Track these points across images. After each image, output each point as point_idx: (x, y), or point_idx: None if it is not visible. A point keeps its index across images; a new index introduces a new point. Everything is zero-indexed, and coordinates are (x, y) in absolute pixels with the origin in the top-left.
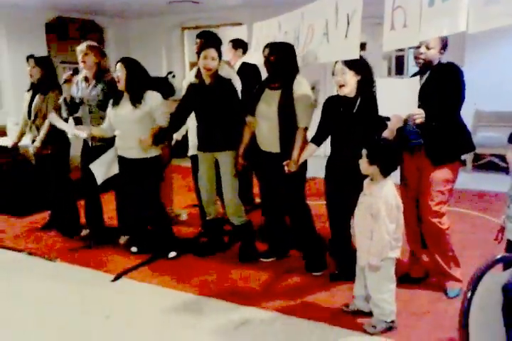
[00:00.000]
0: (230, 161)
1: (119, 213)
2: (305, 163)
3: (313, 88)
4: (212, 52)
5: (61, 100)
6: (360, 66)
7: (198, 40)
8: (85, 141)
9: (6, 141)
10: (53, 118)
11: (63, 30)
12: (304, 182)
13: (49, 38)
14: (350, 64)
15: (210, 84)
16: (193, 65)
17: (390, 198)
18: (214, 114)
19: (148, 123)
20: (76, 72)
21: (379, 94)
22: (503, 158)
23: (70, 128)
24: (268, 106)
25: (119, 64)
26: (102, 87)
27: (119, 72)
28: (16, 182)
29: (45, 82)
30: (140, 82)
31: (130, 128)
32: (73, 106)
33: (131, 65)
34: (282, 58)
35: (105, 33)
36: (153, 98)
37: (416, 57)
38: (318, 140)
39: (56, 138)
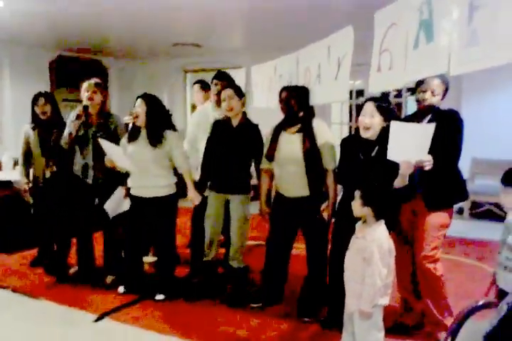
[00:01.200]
0: (243, 205)
1: (107, 253)
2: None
3: None
4: (230, 91)
5: (66, 134)
6: (390, 113)
7: (219, 82)
8: (83, 176)
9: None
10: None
11: (66, 69)
12: (329, 226)
13: (52, 76)
14: (382, 109)
15: (238, 126)
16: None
17: (383, 242)
18: (236, 155)
19: (165, 163)
20: (86, 108)
21: (391, 137)
22: (500, 206)
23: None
24: (291, 150)
25: (139, 100)
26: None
27: (138, 108)
28: (6, 218)
29: (56, 118)
30: (160, 119)
31: (146, 166)
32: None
33: (152, 101)
34: (302, 101)
35: (109, 73)
36: (173, 138)
37: (419, 102)
38: (340, 179)
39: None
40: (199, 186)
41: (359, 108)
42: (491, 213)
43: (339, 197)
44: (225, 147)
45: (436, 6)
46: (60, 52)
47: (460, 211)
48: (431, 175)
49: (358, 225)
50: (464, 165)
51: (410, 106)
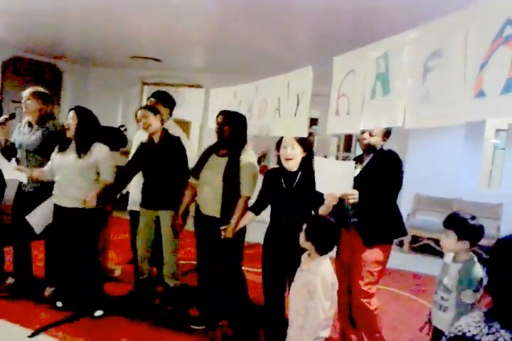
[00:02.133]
0: (171, 221)
1: (47, 263)
2: (243, 229)
3: (264, 155)
4: (145, 112)
5: None
6: (308, 144)
7: (153, 99)
8: (19, 186)
9: None
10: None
11: (19, 69)
12: (240, 249)
13: (4, 76)
14: (300, 140)
15: (159, 143)
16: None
17: (327, 276)
18: (161, 171)
19: (90, 175)
20: (13, 116)
21: (316, 171)
22: (438, 241)
23: (10, 168)
24: (214, 172)
25: (71, 112)
26: (42, 132)
27: (70, 120)
28: None
29: None
30: (89, 132)
31: (71, 176)
32: (9, 149)
33: (83, 115)
34: (235, 128)
35: (64, 78)
36: (100, 151)
37: (359, 141)
38: (257, 209)
39: None
40: (107, 195)
41: (279, 141)
42: (430, 248)
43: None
44: (148, 163)
45: (392, 62)
46: (15, 52)
47: (400, 244)
48: (367, 211)
49: (304, 257)
50: (408, 200)
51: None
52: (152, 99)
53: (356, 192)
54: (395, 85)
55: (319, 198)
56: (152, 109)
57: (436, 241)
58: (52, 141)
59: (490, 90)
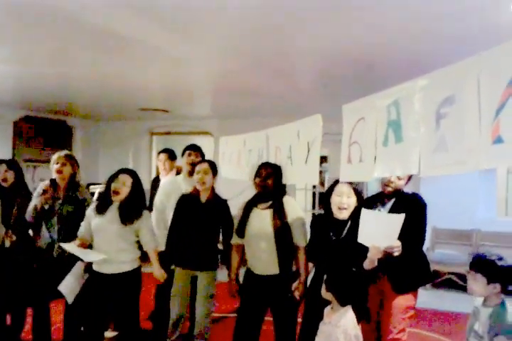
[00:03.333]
0: (210, 281)
1: (67, 325)
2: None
3: None
4: (205, 165)
5: (31, 208)
6: (361, 193)
7: (192, 152)
8: (48, 250)
9: None
10: (67, 245)
11: (30, 128)
12: (299, 304)
13: (16, 135)
14: (356, 190)
15: (207, 201)
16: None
17: (349, 328)
18: (205, 231)
19: (132, 238)
20: (54, 183)
21: (362, 223)
22: (460, 276)
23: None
24: (261, 226)
25: (125, 176)
26: (79, 201)
27: (122, 184)
28: None
29: (20, 185)
30: (141, 201)
31: (112, 242)
32: (40, 217)
33: (138, 181)
34: (278, 180)
35: (74, 133)
36: (146, 218)
37: (385, 185)
38: (310, 257)
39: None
40: (164, 261)
41: (330, 188)
42: (452, 282)
43: (311, 276)
44: (192, 222)
45: (404, 109)
46: (26, 112)
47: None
48: (398, 259)
49: (327, 310)
50: (426, 234)
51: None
52: (191, 152)
53: (400, 244)
54: (407, 132)
55: (363, 251)
56: (214, 167)
57: (459, 276)
58: (83, 210)
59: (508, 136)
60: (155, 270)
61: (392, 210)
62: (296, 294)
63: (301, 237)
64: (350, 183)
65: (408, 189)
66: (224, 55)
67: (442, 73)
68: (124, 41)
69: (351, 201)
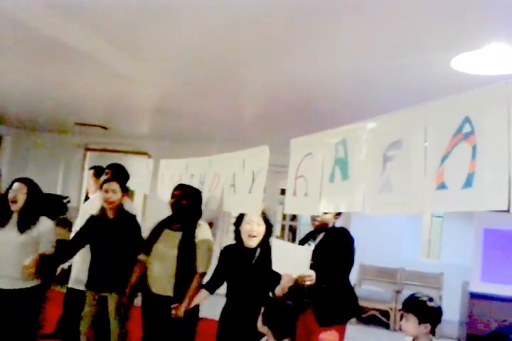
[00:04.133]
0: (120, 304)
1: None
2: (196, 308)
3: (210, 224)
4: (114, 185)
5: None
6: (270, 221)
7: (108, 171)
8: None
9: None
10: None
11: None
12: (194, 327)
13: None
14: (265, 218)
15: (114, 218)
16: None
17: None
18: (112, 250)
19: (30, 250)
20: None
21: (274, 251)
22: (383, 312)
23: None
24: (167, 247)
25: (19, 184)
26: None
27: (17, 192)
28: None
29: None
30: (38, 206)
31: (9, 253)
32: None
33: (34, 188)
34: (192, 202)
35: (3, 141)
36: (45, 225)
37: (313, 219)
38: (212, 286)
39: None
40: (45, 264)
41: (240, 216)
42: (376, 318)
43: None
44: (98, 242)
45: (351, 149)
46: None
47: None
48: (322, 292)
49: None
50: (353, 271)
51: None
52: (108, 170)
53: (313, 274)
54: (354, 171)
55: (276, 278)
56: (124, 186)
57: (382, 312)
58: None
59: (451, 183)
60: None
61: (320, 244)
62: (173, 312)
63: (202, 263)
64: (263, 212)
65: (338, 224)
66: (168, 77)
67: (390, 118)
68: (64, 51)
69: (261, 229)
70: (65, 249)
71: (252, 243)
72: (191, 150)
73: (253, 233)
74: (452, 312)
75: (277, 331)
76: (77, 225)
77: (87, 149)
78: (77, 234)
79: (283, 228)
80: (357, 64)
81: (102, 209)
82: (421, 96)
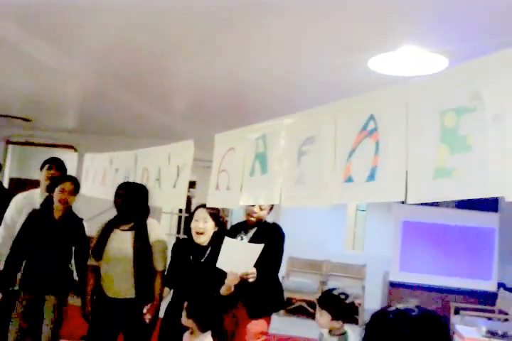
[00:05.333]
0: (57, 305)
1: None
2: (158, 309)
3: None
4: (70, 185)
5: None
6: (220, 218)
7: (53, 166)
8: None
9: None
10: None
11: None
12: (153, 327)
13: None
14: (213, 214)
15: (61, 218)
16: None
17: None
18: (55, 251)
19: None
20: None
21: (223, 249)
22: (311, 303)
23: None
24: (121, 248)
25: None
26: None
27: None
28: None
29: None
30: None
31: None
32: None
33: None
34: (139, 200)
35: None
36: None
37: (249, 215)
38: (171, 283)
39: None
40: (2, 279)
41: (192, 213)
42: (303, 309)
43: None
44: (41, 241)
45: (270, 144)
46: None
47: None
48: (253, 285)
49: (185, 336)
50: (282, 263)
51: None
52: (51, 165)
53: (255, 271)
54: (272, 165)
55: (223, 277)
56: (78, 186)
57: (309, 303)
58: None
59: (357, 177)
60: None
61: (253, 239)
62: (147, 317)
63: (160, 261)
64: (213, 209)
65: (269, 219)
66: (94, 70)
67: (305, 115)
68: None
69: (208, 226)
70: (13, 255)
71: (199, 240)
72: (120, 144)
73: (199, 230)
74: (374, 300)
75: (202, 323)
76: (7, 218)
77: (9, 142)
78: (18, 235)
79: None
80: (280, 62)
81: (47, 207)
82: (341, 95)
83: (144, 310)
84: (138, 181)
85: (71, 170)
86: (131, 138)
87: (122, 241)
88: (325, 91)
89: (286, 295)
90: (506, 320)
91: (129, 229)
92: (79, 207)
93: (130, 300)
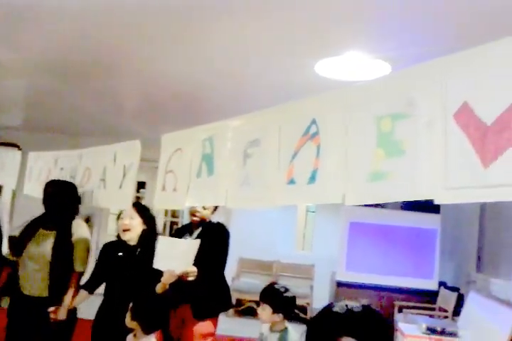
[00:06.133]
0: None
1: None
2: (74, 310)
3: (88, 220)
4: None
5: None
6: (148, 215)
7: None
8: None
9: None
10: None
11: None
12: (71, 329)
13: None
14: (140, 211)
15: None
16: None
17: None
18: None
19: None
20: None
21: (158, 248)
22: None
23: None
24: (41, 246)
25: None
26: None
27: None
28: None
29: None
30: None
31: None
32: None
33: None
34: (66, 199)
35: None
36: None
37: (192, 215)
38: (91, 286)
39: None
40: None
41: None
42: (254, 310)
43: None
44: None
45: (217, 145)
46: None
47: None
48: (196, 285)
49: (129, 338)
50: (232, 264)
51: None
52: None
53: (195, 270)
54: (218, 167)
55: (158, 275)
56: None
57: (259, 304)
58: None
59: (299, 179)
60: None
61: (197, 238)
62: (52, 316)
63: (79, 263)
64: (139, 206)
65: (220, 220)
66: (38, 66)
67: (251, 117)
68: None
69: (134, 222)
70: None
71: (126, 237)
72: (66, 143)
73: (125, 227)
74: (323, 300)
75: (146, 325)
76: None
77: None
78: None
79: (165, 224)
80: (231, 63)
81: None
82: (289, 97)
83: (49, 309)
84: (78, 181)
85: (13, 169)
86: (79, 137)
87: (43, 241)
88: (274, 93)
89: (236, 296)
90: (446, 317)
91: (52, 229)
92: (25, 206)
93: (44, 299)
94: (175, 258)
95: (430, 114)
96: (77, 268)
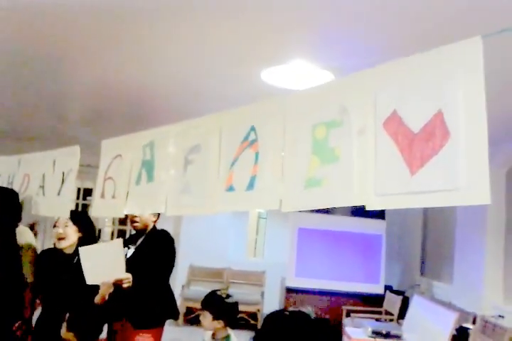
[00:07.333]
0: None
1: None
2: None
3: (32, 227)
4: None
5: None
6: (84, 223)
7: None
8: None
9: None
10: None
11: None
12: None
13: None
14: (75, 219)
15: None
16: None
17: None
18: None
19: None
20: None
21: (84, 263)
22: None
23: None
24: None
25: None
26: None
27: None
28: None
29: None
30: None
31: None
32: None
33: None
34: (6, 207)
35: None
36: None
37: (132, 221)
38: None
39: None
40: None
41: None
42: None
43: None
44: None
45: (158, 151)
46: None
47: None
48: (138, 294)
49: None
50: (182, 272)
51: None
52: None
53: (130, 276)
54: (159, 173)
55: (94, 285)
56: None
57: None
58: None
59: (238, 186)
60: None
61: (139, 247)
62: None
63: (29, 272)
64: (71, 213)
65: (169, 227)
66: None
67: (192, 123)
68: None
69: (68, 231)
70: None
71: (60, 245)
72: (7, 147)
73: (59, 235)
74: (273, 305)
75: (83, 337)
76: None
77: None
78: None
79: (112, 233)
80: (177, 70)
81: None
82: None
83: (14, 328)
84: (17, 188)
85: None
86: (20, 142)
87: None
88: (220, 100)
89: (186, 304)
90: (391, 320)
91: None
92: None
93: None
94: (104, 266)
95: (362, 122)
96: (28, 277)
